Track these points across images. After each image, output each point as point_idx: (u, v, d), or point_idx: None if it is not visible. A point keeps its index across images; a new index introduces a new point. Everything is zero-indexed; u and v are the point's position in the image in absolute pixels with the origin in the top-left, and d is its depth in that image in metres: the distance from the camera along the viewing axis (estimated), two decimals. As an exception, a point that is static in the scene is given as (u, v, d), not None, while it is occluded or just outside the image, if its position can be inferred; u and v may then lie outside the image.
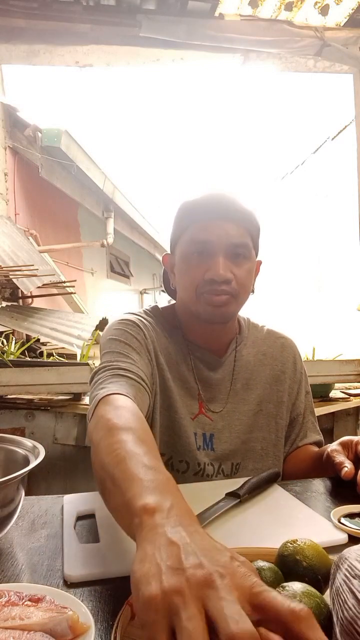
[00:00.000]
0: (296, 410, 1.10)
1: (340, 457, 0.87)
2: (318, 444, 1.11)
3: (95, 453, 0.64)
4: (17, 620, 0.45)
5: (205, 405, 1.02)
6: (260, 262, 1.03)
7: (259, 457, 1.03)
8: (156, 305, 1.10)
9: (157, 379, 0.98)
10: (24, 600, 0.49)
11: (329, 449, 0.92)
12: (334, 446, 0.92)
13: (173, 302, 1.12)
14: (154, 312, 1.08)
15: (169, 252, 1.04)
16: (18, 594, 0.50)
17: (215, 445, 1.00)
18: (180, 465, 0.99)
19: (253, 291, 1.02)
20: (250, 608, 0.34)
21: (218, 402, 1.03)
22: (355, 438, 0.91)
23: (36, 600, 0.49)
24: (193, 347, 1.04)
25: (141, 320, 1.01)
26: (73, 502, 0.85)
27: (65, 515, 0.80)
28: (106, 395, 0.77)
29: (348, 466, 0.84)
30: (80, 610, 0.48)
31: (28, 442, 0.79)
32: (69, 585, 0.60)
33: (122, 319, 1.01)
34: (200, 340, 1.03)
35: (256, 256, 1.00)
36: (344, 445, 0.91)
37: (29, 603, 0.48)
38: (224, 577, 0.35)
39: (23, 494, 0.71)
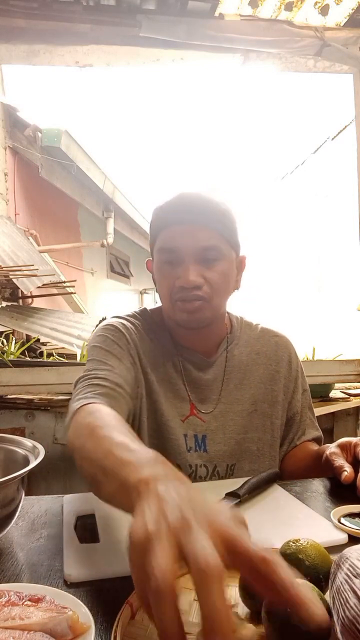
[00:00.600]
0: (293, 409, 1.09)
1: (340, 461, 0.87)
2: (317, 440, 1.10)
3: (81, 455, 0.65)
4: (17, 620, 0.45)
5: (196, 406, 1.01)
6: (244, 257, 1.02)
7: (255, 457, 1.03)
8: (145, 308, 1.10)
9: (143, 382, 0.98)
10: (23, 600, 0.49)
11: (327, 452, 0.90)
12: (332, 448, 0.90)
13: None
14: (142, 314, 1.08)
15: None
16: (18, 594, 0.50)
17: (209, 447, 0.99)
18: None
19: (238, 287, 1.02)
20: (224, 551, 0.36)
21: (209, 402, 1.02)
22: (353, 440, 0.90)
23: (36, 600, 0.49)
24: (181, 349, 1.03)
25: (124, 325, 1.01)
26: (73, 502, 0.85)
27: (65, 515, 0.80)
28: (82, 406, 0.78)
29: (347, 470, 0.84)
30: (80, 610, 0.48)
31: (28, 442, 0.79)
32: (69, 585, 0.60)
33: (105, 325, 1.02)
34: (187, 343, 1.03)
35: (237, 252, 0.99)
36: (343, 448, 0.90)
37: (29, 603, 0.48)
38: (201, 523, 0.38)
39: (23, 494, 0.71)
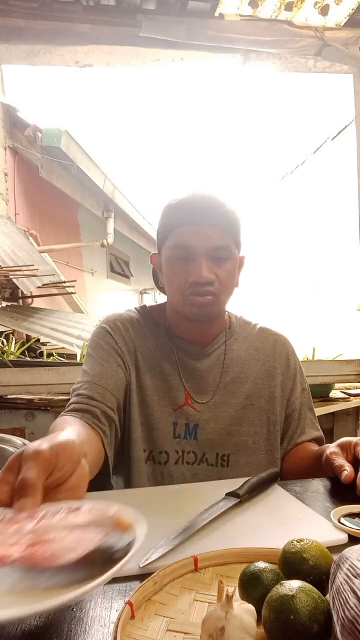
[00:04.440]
0: (291, 406, 1.11)
1: (340, 460, 0.87)
2: (318, 440, 1.11)
3: None
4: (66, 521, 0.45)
5: (192, 396, 1.05)
6: (243, 257, 1.08)
7: (251, 451, 1.06)
8: (144, 305, 1.16)
9: (134, 376, 1.04)
10: (62, 512, 0.48)
11: (327, 452, 0.91)
12: (332, 448, 0.91)
13: (161, 302, 1.16)
14: (141, 310, 1.14)
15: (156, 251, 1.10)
16: (54, 507, 0.49)
17: (199, 435, 1.03)
18: (161, 456, 1.02)
19: (237, 285, 1.07)
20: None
21: (205, 393, 1.06)
22: (354, 439, 0.91)
23: (75, 509, 0.48)
24: (177, 341, 1.08)
25: (116, 325, 1.08)
26: None
27: None
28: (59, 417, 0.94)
29: (348, 469, 0.84)
30: (124, 508, 0.49)
31: (18, 440, 0.80)
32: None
33: (99, 327, 1.09)
34: (186, 335, 1.08)
35: (239, 252, 1.04)
36: (343, 447, 0.91)
37: (69, 512, 0.48)
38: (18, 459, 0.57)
39: None
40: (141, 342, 1.07)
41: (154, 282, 1.16)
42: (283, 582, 0.47)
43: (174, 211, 1.00)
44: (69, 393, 1.05)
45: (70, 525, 0.44)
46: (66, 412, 0.97)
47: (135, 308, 1.15)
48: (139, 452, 1.02)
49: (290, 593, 0.45)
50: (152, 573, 0.58)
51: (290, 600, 0.44)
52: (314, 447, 1.08)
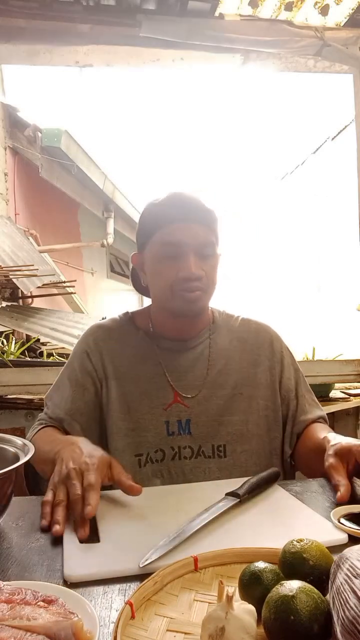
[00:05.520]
0: (285, 387, 1.13)
1: (337, 477, 0.86)
2: (322, 419, 1.14)
3: (35, 460, 0.93)
4: (25, 620, 0.46)
5: (180, 393, 1.07)
6: (220, 255, 1.10)
7: (246, 438, 1.07)
8: (127, 312, 1.19)
9: (114, 390, 1.08)
10: (37, 600, 0.49)
11: (326, 463, 0.89)
12: (331, 460, 0.89)
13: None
14: (123, 317, 1.17)
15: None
16: (34, 593, 0.50)
17: (193, 429, 1.05)
18: (157, 455, 1.04)
19: (216, 283, 1.10)
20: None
21: (193, 387, 1.08)
22: (353, 446, 0.88)
23: (49, 602, 0.49)
24: (160, 341, 1.11)
25: (88, 343, 1.13)
26: None
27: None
28: (36, 432, 1.07)
29: (342, 490, 0.83)
30: (89, 617, 0.49)
31: (18, 440, 0.81)
32: (69, 585, 0.60)
33: (75, 348, 1.16)
34: (170, 333, 1.11)
35: (218, 249, 1.08)
36: (342, 456, 0.89)
37: (41, 604, 0.49)
38: (76, 470, 0.81)
39: (13, 492, 0.73)
40: (120, 352, 1.10)
41: (133, 283, 1.19)
42: (283, 582, 0.47)
43: (159, 210, 1.03)
44: None
45: (25, 630, 0.45)
46: (41, 426, 1.08)
47: (119, 315, 1.18)
48: (130, 459, 1.03)
49: (290, 593, 0.45)
50: (152, 573, 0.58)
51: (290, 600, 0.44)
52: (319, 431, 1.06)
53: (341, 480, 0.85)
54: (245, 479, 0.87)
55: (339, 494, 0.83)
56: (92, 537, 0.73)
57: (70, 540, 0.71)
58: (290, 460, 1.13)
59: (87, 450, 0.85)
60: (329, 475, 0.88)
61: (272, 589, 0.47)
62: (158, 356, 1.10)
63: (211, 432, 1.06)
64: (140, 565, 0.62)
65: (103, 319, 1.22)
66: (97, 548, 0.69)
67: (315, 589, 0.46)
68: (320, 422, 1.13)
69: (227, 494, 0.82)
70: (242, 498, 0.81)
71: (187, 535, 0.69)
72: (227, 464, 1.05)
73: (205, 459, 1.05)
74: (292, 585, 0.46)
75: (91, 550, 0.69)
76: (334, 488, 0.86)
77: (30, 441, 0.97)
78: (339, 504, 0.81)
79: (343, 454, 0.89)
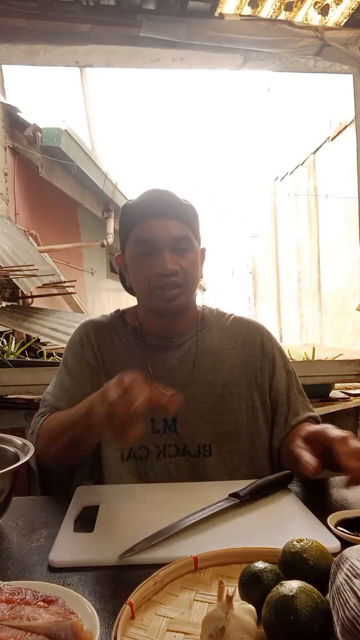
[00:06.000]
0: (275, 389, 1.10)
1: (300, 451, 0.82)
2: (314, 419, 1.10)
3: (54, 438, 0.95)
4: (25, 620, 0.46)
5: (163, 389, 1.04)
6: (204, 249, 1.11)
7: (233, 438, 1.06)
8: (118, 309, 1.19)
9: (102, 382, 1.02)
10: (37, 600, 0.49)
11: (293, 445, 0.87)
12: (298, 441, 0.86)
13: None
14: (114, 314, 1.18)
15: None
16: (34, 593, 0.50)
17: (179, 428, 1.04)
18: (141, 451, 1.03)
19: (202, 276, 1.10)
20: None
21: (178, 385, 1.06)
22: (319, 432, 0.85)
23: (49, 602, 0.49)
24: (146, 338, 1.10)
25: (80, 336, 1.13)
26: (83, 494, 0.88)
27: (71, 505, 0.82)
28: (43, 422, 1.03)
29: (305, 457, 0.79)
30: (90, 617, 0.49)
31: (18, 440, 0.81)
32: (52, 570, 0.63)
33: (70, 340, 1.15)
34: (155, 330, 1.11)
35: (199, 244, 1.08)
36: (308, 440, 0.86)
37: (41, 604, 0.49)
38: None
39: (12, 492, 0.74)
40: (110, 347, 1.10)
41: (122, 284, 1.19)
42: (283, 582, 0.47)
43: (131, 210, 1.04)
44: None
45: (25, 630, 0.45)
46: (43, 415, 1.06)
47: (110, 312, 1.19)
48: (113, 452, 1.03)
49: (290, 593, 0.45)
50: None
51: (290, 600, 0.44)
52: (312, 427, 1.03)
53: (304, 453, 0.81)
54: (251, 481, 0.86)
55: (304, 462, 0.78)
56: (88, 527, 0.74)
57: (65, 529, 0.73)
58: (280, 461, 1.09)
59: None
60: (296, 455, 0.83)
61: (272, 589, 0.47)
62: (144, 352, 1.09)
63: (198, 432, 1.04)
64: (119, 557, 0.64)
65: None
66: (87, 538, 0.71)
67: (315, 589, 0.46)
68: (309, 422, 1.09)
69: (230, 495, 0.82)
70: (243, 499, 0.81)
71: (174, 532, 0.70)
72: (212, 462, 1.03)
73: (191, 457, 1.03)
74: (292, 585, 0.46)
75: (81, 539, 0.71)
76: (300, 465, 0.80)
77: (38, 432, 1.02)
78: (338, 507, 0.80)
79: (310, 437, 0.86)
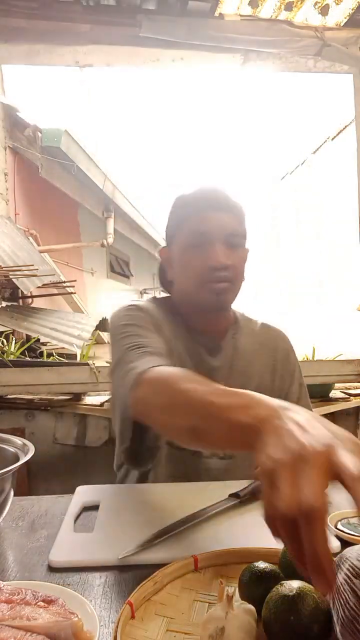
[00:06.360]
0: (289, 400, 1.09)
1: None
2: None
3: (167, 411, 0.70)
4: (25, 620, 0.46)
5: None
6: (248, 250, 1.07)
7: None
8: (155, 297, 1.14)
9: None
10: (37, 600, 0.49)
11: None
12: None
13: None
14: (155, 301, 1.11)
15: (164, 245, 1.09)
16: (34, 593, 0.50)
17: None
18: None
19: (244, 278, 1.07)
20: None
21: None
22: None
23: (49, 602, 0.49)
24: (194, 332, 1.07)
25: (147, 307, 1.04)
26: (83, 493, 0.88)
27: (72, 504, 0.82)
28: (148, 369, 0.78)
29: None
30: (89, 617, 0.49)
31: (18, 440, 0.81)
32: (52, 570, 0.63)
33: (130, 305, 1.03)
34: (201, 326, 1.07)
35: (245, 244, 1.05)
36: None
37: (41, 604, 0.49)
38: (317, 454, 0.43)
39: (12, 492, 0.73)
40: (163, 330, 1.02)
41: (159, 279, 1.15)
42: (283, 582, 0.47)
43: (187, 202, 1.02)
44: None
45: (25, 630, 0.45)
46: (154, 359, 0.83)
47: (149, 300, 1.11)
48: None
49: (290, 593, 0.45)
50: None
51: (290, 600, 0.44)
52: None
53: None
54: (251, 480, 0.86)
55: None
56: (88, 527, 0.74)
57: (65, 529, 0.74)
58: None
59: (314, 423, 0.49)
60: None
61: (272, 589, 0.47)
62: (193, 345, 1.05)
63: None
64: (119, 557, 0.63)
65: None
66: (87, 537, 0.71)
67: (315, 589, 0.46)
68: None
69: (230, 495, 0.82)
70: (243, 499, 0.81)
71: (174, 532, 0.70)
72: (230, 465, 1.03)
73: (219, 459, 1.02)
74: (292, 585, 0.46)
75: (81, 539, 0.71)
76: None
77: (140, 376, 0.77)
78: (337, 507, 0.80)
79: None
